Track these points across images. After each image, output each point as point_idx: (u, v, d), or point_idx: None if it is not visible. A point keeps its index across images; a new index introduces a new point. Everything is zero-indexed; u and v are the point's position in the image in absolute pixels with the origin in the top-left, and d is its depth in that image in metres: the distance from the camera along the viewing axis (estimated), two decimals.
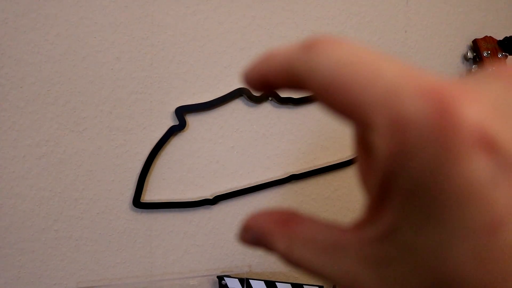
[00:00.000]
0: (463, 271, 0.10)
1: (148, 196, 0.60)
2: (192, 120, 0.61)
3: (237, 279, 0.61)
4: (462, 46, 0.73)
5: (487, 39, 0.70)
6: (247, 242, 0.14)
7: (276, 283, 0.61)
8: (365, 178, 0.14)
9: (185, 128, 0.60)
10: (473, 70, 0.72)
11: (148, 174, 0.59)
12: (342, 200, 0.69)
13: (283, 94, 0.63)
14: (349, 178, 0.68)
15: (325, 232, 0.13)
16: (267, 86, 0.14)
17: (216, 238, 0.63)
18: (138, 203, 0.59)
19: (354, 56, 0.11)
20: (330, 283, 0.13)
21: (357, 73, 0.11)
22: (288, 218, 0.14)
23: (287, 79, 0.13)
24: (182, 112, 0.59)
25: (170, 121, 0.60)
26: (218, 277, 0.61)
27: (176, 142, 0.60)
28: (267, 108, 0.64)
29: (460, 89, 0.10)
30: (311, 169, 0.65)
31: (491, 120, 0.09)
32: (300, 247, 0.13)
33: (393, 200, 0.10)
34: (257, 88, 0.14)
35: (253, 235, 0.14)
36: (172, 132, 0.59)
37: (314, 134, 0.66)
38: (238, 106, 0.63)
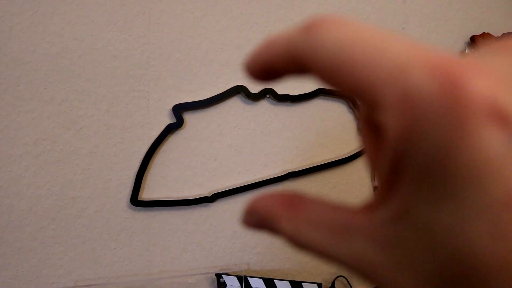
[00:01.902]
0: (479, 247, 0.09)
1: (146, 194, 0.60)
2: (189, 118, 0.61)
3: (235, 277, 0.61)
4: (460, 43, 0.73)
5: (485, 35, 0.70)
6: (251, 225, 0.14)
7: (274, 280, 0.61)
8: (374, 159, 0.14)
9: (183, 126, 0.60)
10: None
11: (146, 172, 0.59)
12: (341, 197, 0.69)
13: (281, 91, 0.63)
14: (347, 175, 0.68)
15: (333, 214, 0.12)
16: (271, 74, 0.13)
17: (214, 236, 0.63)
18: (135, 201, 0.58)
19: (358, 34, 0.11)
20: (339, 266, 0.12)
21: (363, 51, 0.10)
22: (294, 200, 0.13)
23: (291, 63, 0.12)
24: (180, 110, 0.59)
25: (168, 119, 0.60)
26: (216, 275, 0.61)
27: (173, 140, 0.60)
28: (265, 106, 0.64)
29: (468, 63, 0.10)
30: (309, 167, 0.65)
31: (502, 92, 0.09)
32: (308, 230, 0.12)
33: (405, 180, 0.10)
34: (260, 78, 0.14)
35: (257, 218, 0.14)
36: (169, 130, 0.59)
37: (312, 132, 0.66)
38: (236, 103, 0.62)
